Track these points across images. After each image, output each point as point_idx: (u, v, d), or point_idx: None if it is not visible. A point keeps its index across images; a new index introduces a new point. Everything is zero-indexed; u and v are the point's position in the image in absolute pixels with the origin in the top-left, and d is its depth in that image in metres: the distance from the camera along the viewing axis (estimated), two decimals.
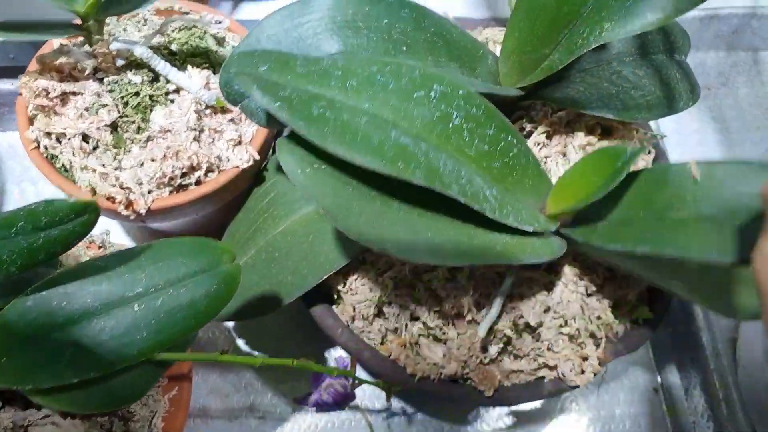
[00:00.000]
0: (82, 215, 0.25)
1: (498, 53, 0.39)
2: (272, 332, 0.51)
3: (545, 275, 0.38)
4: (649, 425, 0.53)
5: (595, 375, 0.39)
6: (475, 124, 0.31)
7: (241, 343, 0.51)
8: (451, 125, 0.30)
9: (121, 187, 0.39)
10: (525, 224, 0.30)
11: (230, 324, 0.52)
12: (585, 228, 0.32)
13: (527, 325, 0.37)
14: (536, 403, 0.53)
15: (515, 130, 0.32)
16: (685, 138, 0.66)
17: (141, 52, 0.39)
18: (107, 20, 0.44)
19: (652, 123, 0.51)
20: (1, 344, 0.27)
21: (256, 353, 0.50)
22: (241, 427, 0.49)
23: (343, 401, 0.46)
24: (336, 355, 0.52)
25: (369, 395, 0.52)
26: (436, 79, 0.30)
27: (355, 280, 0.39)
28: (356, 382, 0.39)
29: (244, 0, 0.61)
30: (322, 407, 0.45)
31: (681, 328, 0.55)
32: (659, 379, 0.56)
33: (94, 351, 0.27)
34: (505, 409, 0.53)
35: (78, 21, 0.37)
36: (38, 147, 0.40)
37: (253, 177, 0.43)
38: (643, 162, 0.43)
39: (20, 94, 0.41)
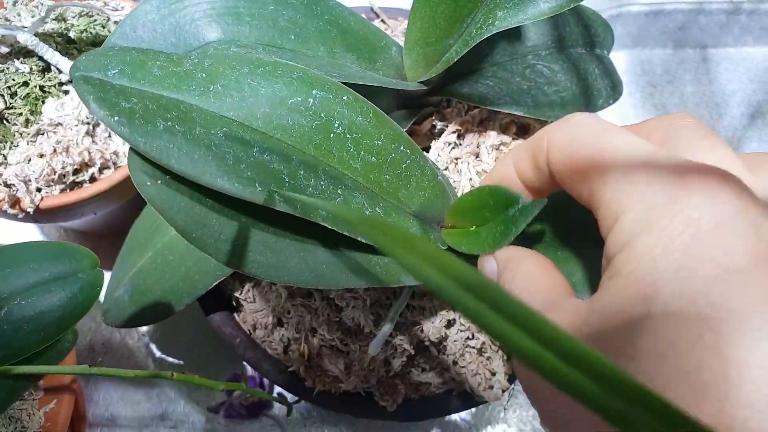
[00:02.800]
0: None
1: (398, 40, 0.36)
2: (188, 334, 0.48)
3: None
4: None
5: (503, 391, 0.36)
6: (361, 134, 0.27)
7: (154, 347, 0.47)
8: (332, 135, 0.27)
9: (5, 185, 0.36)
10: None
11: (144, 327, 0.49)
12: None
13: (432, 342, 0.34)
14: (465, 415, 0.50)
15: (408, 138, 0.29)
16: None
17: (25, 38, 0.35)
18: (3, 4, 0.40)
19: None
20: None
21: (169, 358, 0.47)
22: None
23: (257, 410, 0.43)
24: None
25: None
26: (316, 83, 0.26)
27: (252, 287, 0.36)
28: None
29: None
30: (234, 417, 0.42)
31: None
32: None
33: None
34: (434, 421, 0.50)
35: None
36: None
37: None
38: None
39: None
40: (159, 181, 0.25)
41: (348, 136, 0.27)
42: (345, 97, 0.28)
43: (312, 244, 0.26)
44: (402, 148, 0.29)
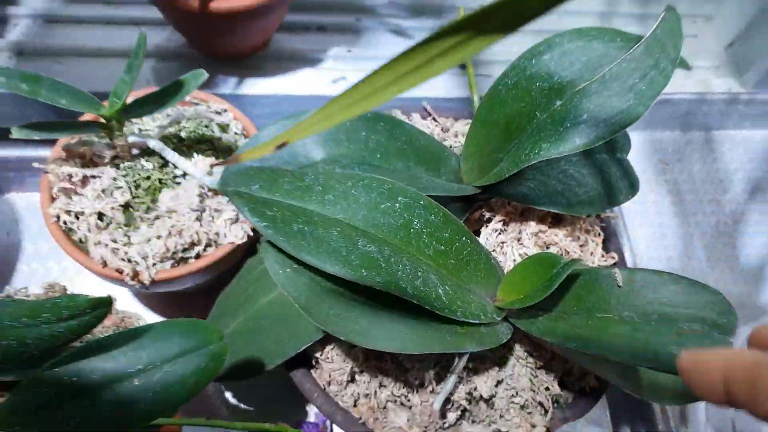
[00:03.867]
0: (97, 309, 0.29)
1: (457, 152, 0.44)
2: (260, 385, 0.55)
3: (498, 351, 0.41)
4: None
5: None
6: (434, 228, 0.35)
7: (228, 395, 0.54)
8: (412, 230, 0.34)
9: (129, 261, 0.43)
10: (471, 318, 0.34)
11: None
12: (528, 319, 0.36)
13: (483, 398, 0.41)
14: None
15: (469, 232, 0.36)
16: (644, 209, 0.70)
17: (154, 144, 0.43)
18: None
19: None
20: (18, 411, 0.31)
21: (242, 405, 0.54)
22: None
23: None
24: (312, 419, 0.56)
25: None
26: (401, 192, 0.34)
27: (332, 349, 0.43)
28: None
29: (247, 77, 0.66)
30: None
31: (636, 400, 0.58)
32: None
33: (98, 419, 0.31)
34: None
35: (102, 120, 0.42)
36: (58, 221, 0.44)
37: (247, 249, 0.47)
38: (593, 243, 0.48)
39: (45, 173, 0.45)
40: (287, 270, 0.32)
41: (423, 230, 0.35)
42: (422, 202, 0.35)
43: (398, 314, 0.33)
44: (464, 239, 0.37)
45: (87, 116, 0.48)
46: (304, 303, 0.32)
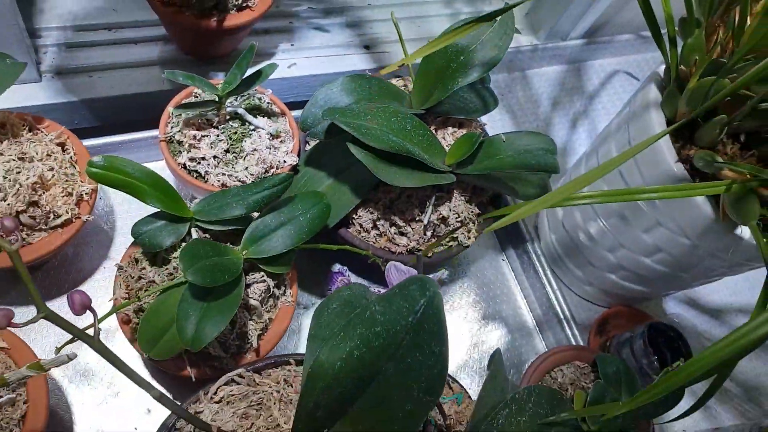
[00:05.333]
0: (288, 180, 0.63)
1: (407, 91, 0.82)
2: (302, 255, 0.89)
3: (448, 195, 0.80)
4: (500, 276, 0.99)
5: (475, 238, 0.82)
6: (415, 128, 0.72)
7: None
8: (406, 129, 0.72)
9: (238, 181, 0.75)
10: (439, 167, 0.72)
11: None
12: (463, 168, 0.75)
13: (443, 218, 0.80)
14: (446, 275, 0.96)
15: (430, 129, 0.75)
16: (495, 123, 1.13)
17: (241, 112, 0.75)
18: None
19: (483, 118, 0.97)
20: (249, 241, 0.63)
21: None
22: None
23: None
24: (336, 269, 0.91)
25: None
26: (397, 112, 0.71)
27: (362, 210, 0.79)
28: (372, 260, 0.79)
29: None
30: None
31: (511, 225, 1.01)
32: (503, 254, 1.02)
33: (286, 239, 0.65)
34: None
35: (216, 98, 0.73)
36: (184, 167, 0.75)
37: (292, 170, 0.81)
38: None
39: (161, 141, 0.75)
40: (361, 152, 0.68)
41: (411, 130, 0.73)
42: (408, 115, 0.73)
43: (409, 169, 0.71)
44: (428, 133, 0.75)
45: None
46: (370, 165, 0.67)
